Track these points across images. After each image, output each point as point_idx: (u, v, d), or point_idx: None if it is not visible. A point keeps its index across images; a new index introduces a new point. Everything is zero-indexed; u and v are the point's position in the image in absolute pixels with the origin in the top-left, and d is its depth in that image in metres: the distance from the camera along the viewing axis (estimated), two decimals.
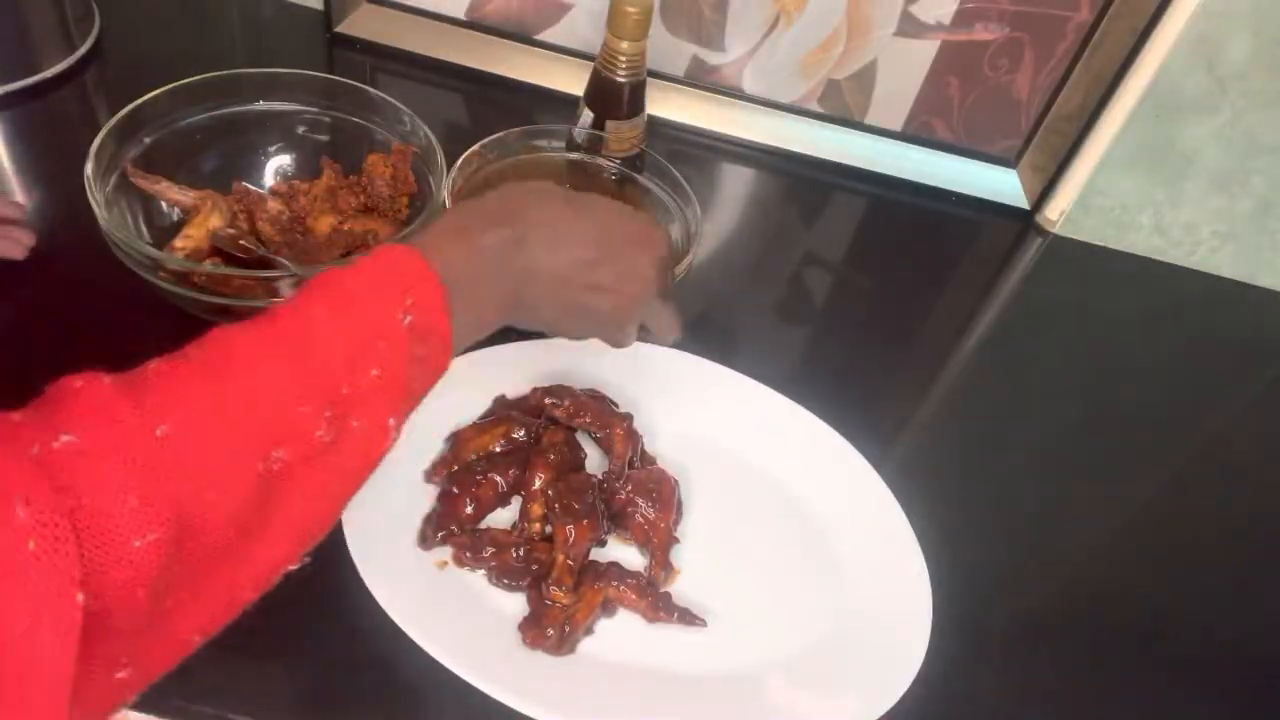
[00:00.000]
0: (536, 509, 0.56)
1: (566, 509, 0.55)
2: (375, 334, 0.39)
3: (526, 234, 0.46)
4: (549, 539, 0.56)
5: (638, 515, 0.56)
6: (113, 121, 0.62)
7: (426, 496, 0.57)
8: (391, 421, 0.40)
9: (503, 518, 0.58)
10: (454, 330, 0.42)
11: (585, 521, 0.55)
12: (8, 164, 0.72)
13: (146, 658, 0.36)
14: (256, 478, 0.36)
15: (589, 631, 0.53)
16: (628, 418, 0.61)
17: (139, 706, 0.47)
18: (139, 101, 0.63)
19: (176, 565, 0.34)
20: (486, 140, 0.69)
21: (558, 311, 0.49)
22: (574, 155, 0.73)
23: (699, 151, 0.89)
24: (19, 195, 0.70)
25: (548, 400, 0.60)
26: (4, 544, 0.29)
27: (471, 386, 0.62)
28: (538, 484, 0.57)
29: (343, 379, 0.38)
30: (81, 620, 0.30)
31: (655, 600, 0.54)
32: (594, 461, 0.61)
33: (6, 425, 0.32)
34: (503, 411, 0.61)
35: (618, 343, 0.53)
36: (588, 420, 0.60)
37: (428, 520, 0.56)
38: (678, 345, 0.60)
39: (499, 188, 0.48)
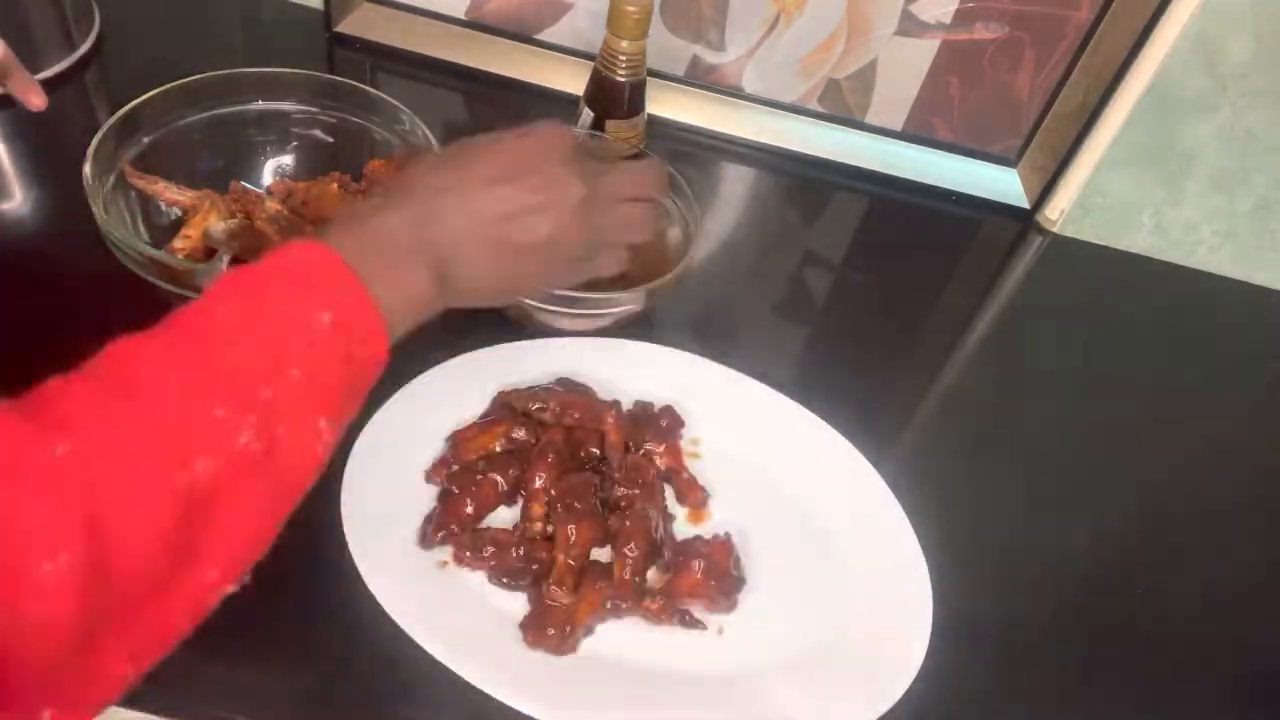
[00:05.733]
0: (537, 509, 0.56)
1: (567, 509, 0.55)
2: (291, 332, 0.37)
3: (430, 204, 0.43)
4: (550, 539, 0.55)
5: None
6: (111, 121, 0.62)
7: (426, 496, 0.57)
8: (323, 423, 0.37)
9: (503, 517, 0.57)
10: (385, 318, 0.40)
11: (585, 521, 0.55)
12: (8, 164, 0.72)
13: (74, 697, 0.33)
14: (178, 492, 0.33)
15: (590, 631, 0.53)
16: (616, 405, 0.61)
17: (138, 706, 0.47)
18: (137, 101, 0.63)
19: (103, 596, 0.31)
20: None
21: (500, 266, 0.45)
22: None
23: (699, 151, 0.89)
24: (19, 195, 0.70)
25: (534, 405, 0.60)
26: None
27: (471, 386, 0.62)
28: (538, 484, 0.57)
29: (260, 382, 0.36)
30: None
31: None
32: None
33: None
34: (503, 411, 0.61)
35: (602, 265, 0.49)
36: (577, 416, 0.60)
37: (428, 520, 0.56)
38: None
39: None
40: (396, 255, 0.42)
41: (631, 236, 0.50)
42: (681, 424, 0.62)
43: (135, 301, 0.61)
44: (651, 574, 0.55)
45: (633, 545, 0.54)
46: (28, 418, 0.32)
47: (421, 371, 0.61)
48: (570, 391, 0.61)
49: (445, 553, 0.55)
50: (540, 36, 0.90)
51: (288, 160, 0.71)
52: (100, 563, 0.31)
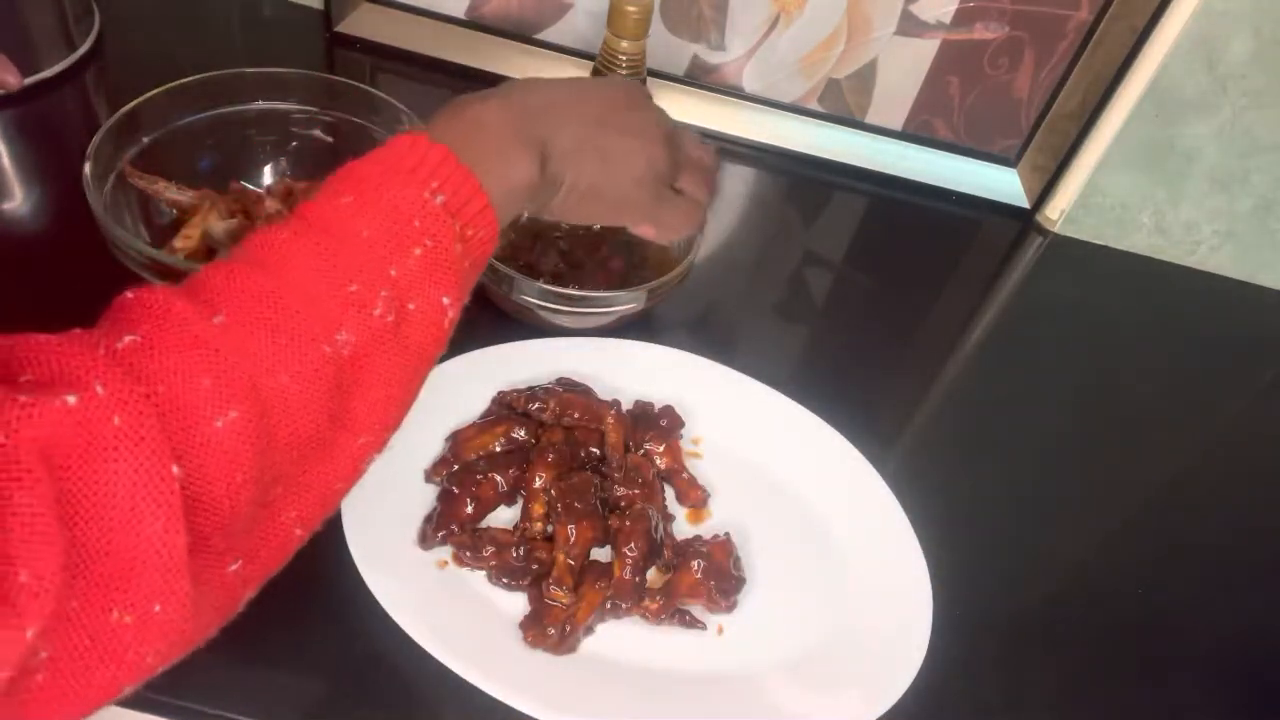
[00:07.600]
0: (538, 509, 0.56)
1: (567, 509, 0.55)
2: (408, 214, 0.39)
3: (530, 99, 0.46)
4: (550, 538, 0.56)
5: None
6: (110, 121, 0.62)
7: (426, 496, 0.57)
8: (446, 300, 0.40)
9: (503, 517, 0.58)
10: (491, 199, 0.42)
11: (585, 521, 0.55)
12: (8, 164, 0.72)
13: (255, 550, 0.37)
14: (327, 360, 0.37)
15: (590, 631, 0.53)
16: (616, 404, 0.61)
17: (139, 706, 0.47)
18: (137, 101, 0.63)
19: (273, 453, 0.35)
20: None
21: (600, 165, 0.48)
22: None
23: None
24: (19, 195, 0.70)
25: (533, 405, 0.60)
26: (90, 419, 0.30)
27: (471, 386, 0.62)
28: (538, 484, 0.57)
29: (387, 259, 0.39)
30: (180, 495, 0.31)
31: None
32: None
33: (72, 334, 0.33)
34: (503, 411, 0.61)
35: (677, 217, 0.53)
36: (577, 416, 0.60)
37: (428, 520, 0.56)
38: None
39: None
40: (499, 142, 0.44)
41: (700, 192, 0.54)
42: (681, 424, 0.62)
43: None
44: (651, 574, 0.55)
45: (633, 545, 0.54)
46: (188, 297, 0.35)
47: None
48: (570, 391, 0.61)
49: (445, 553, 0.55)
50: (540, 36, 0.90)
51: (287, 160, 0.71)
52: (266, 422, 0.35)
